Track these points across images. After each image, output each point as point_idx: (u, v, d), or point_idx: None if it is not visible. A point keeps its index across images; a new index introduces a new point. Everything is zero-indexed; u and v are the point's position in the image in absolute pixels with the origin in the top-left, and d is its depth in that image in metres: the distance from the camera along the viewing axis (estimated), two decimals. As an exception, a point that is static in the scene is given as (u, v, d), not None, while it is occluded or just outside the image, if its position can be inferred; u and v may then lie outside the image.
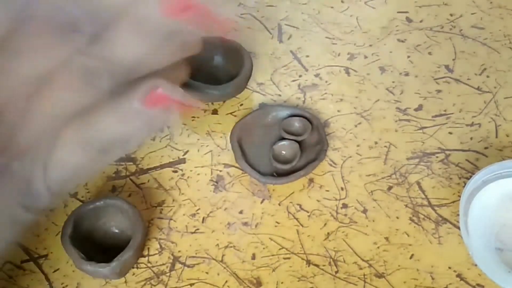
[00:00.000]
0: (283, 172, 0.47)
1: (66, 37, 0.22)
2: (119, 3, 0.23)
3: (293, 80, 0.56)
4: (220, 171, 0.49)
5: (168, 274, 0.43)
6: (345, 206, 0.47)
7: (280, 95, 0.54)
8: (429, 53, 0.58)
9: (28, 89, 0.22)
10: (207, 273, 0.43)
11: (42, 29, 0.22)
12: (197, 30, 0.25)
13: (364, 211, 0.46)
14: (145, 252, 0.44)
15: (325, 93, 0.55)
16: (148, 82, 0.25)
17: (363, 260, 0.44)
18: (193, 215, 0.46)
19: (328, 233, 0.45)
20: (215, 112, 0.53)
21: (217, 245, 0.44)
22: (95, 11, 0.23)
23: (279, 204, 0.47)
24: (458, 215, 0.46)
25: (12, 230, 0.25)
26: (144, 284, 0.42)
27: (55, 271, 0.43)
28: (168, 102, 0.25)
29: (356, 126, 0.52)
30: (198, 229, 0.45)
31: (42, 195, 0.25)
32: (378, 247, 0.44)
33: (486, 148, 0.51)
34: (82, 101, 0.24)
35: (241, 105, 0.53)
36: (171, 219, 0.46)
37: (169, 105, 0.25)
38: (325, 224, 0.46)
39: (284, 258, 0.44)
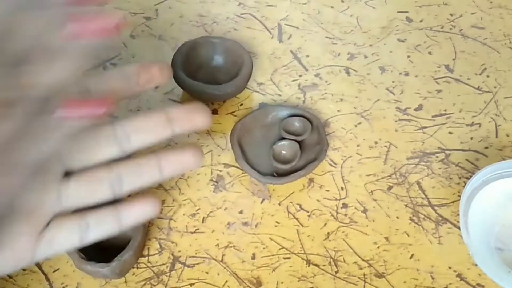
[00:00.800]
0: (283, 172, 0.47)
1: None
2: (29, 35, 0.24)
3: (293, 80, 0.56)
4: (220, 171, 0.49)
5: (168, 274, 0.43)
6: (345, 206, 0.47)
7: (280, 95, 0.54)
8: (429, 53, 0.58)
9: None
10: (207, 273, 0.43)
11: None
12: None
13: (364, 211, 0.46)
14: (145, 252, 0.44)
15: (325, 93, 0.55)
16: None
17: (363, 260, 0.44)
18: (193, 215, 0.46)
19: (328, 233, 0.45)
20: (215, 112, 0.53)
21: (217, 245, 0.44)
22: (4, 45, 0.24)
23: (279, 204, 0.47)
24: (458, 215, 0.46)
25: None
26: (144, 284, 0.42)
27: (55, 271, 0.43)
28: (88, 105, 0.26)
29: (356, 126, 0.52)
30: (198, 229, 0.45)
31: None
32: (378, 247, 0.44)
33: (486, 148, 0.51)
34: (11, 129, 0.25)
35: (241, 105, 0.53)
36: (171, 219, 0.46)
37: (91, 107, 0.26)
38: (325, 224, 0.46)
39: (284, 258, 0.44)
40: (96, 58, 0.26)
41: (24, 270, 0.43)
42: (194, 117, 0.31)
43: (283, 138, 0.49)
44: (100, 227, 0.32)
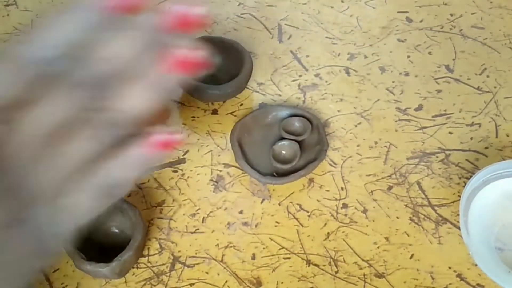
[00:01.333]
0: (283, 172, 0.47)
1: (71, 91, 0.24)
2: (122, 53, 0.24)
3: (293, 80, 0.56)
4: (220, 171, 0.49)
5: (168, 274, 0.43)
6: (345, 206, 0.47)
7: (280, 95, 0.54)
8: (429, 53, 0.58)
9: (40, 138, 0.24)
10: (207, 273, 0.43)
11: (50, 84, 0.24)
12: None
13: (364, 211, 0.46)
14: (145, 252, 0.44)
15: (325, 93, 0.55)
16: (149, 130, 0.26)
17: (363, 260, 0.44)
18: (193, 215, 0.46)
19: (328, 233, 0.45)
20: (215, 112, 0.53)
21: (217, 245, 0.44)
22: (98, 61, 0.24)
23: (279, 204, 0.47)
24: (458, 215, 0.46)
25: (24, 280, 0.26)
26: (144, 284, 0.42)
27: (55, 271, 0.43)
28: (170, 143, 0.27)
29: (356, 126, 0.52)
30: (198, 229, 0.45)
31: (51, 240, 0.27)
32: (378, 247, 0.44)
33: (486, 148, 0.51)
34: (90, 150, 0.25)
35: (241, 105, 0.53)
36: (171, 219, 0.46)
37: (170, 145, 0.27)
38: (325, 224, 0.46)
39: (284, 258, 0.44)
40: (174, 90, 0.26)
41: (24, 270, 0.43)
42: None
43: (283, 138, 0.49)
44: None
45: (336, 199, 0.47)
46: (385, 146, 0.51)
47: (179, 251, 0.44)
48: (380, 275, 0.43)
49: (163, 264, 0.43)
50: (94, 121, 0.25)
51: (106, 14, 0.24)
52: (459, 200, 0.45)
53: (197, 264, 0.43)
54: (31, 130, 0.24)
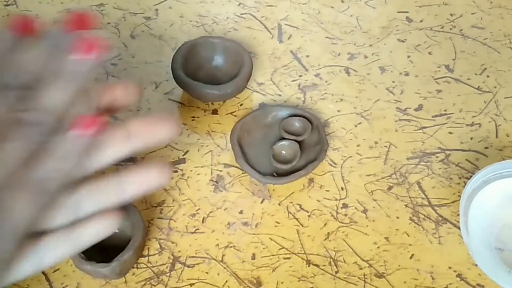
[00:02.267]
0: (283, 172, 0.47)
1: None
2: (36, 61, 0.28)
3: (293, 80, 0.56)
4: (220, 171, 0.49)
5: (168, 274, 0.43)
6: (345, 206, 0.47)
7: (280, 95, 0.54)
8: (429, 53, 0.58)
9: None
10: (207, 273, 0.43)
11: None
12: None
13: (364, 211, 0.46)
14: (145, 252, 0.44)
15: (325, 93, 0.55)
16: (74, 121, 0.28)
17: (363, 260, 0.44)
18: (193, 215, 0.46)
19: (328, 233, 0.45)
20: (215, 112, 0.53)
21: (217, 245, 0.44)
22: (17, 70, 0.28)
23: (279, 204, 0.47)
24: (458, 215, 0.46)
25: None
26: (144, 284, 0.42)
27: (55, 271, 0.43)
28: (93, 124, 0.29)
29: (356, 126, 0.52)
30: (198, 229, 0.45)
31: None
32: (378, 247, 0.44)
33: (486, 148, 0.51)
34: (23, 149, 0.27)
35: (241, 105, 0.53)
36: (171, 219, 0.46)
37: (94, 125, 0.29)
38: (325, 224, 0.46)
39: (284, 258, 0.44)
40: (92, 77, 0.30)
41: (24, 270, 0.43)
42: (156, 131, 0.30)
43: (283, 138, 0.49)
44: (55, 251, 0.30)
45: (336, 199, 0.47)
46: (385, 146, 0.51)
47: (179, 251, 0.44)
48: (380, 275, 0.43)
49: (163, 264, 0.43)
50: (23, 120, 0.27)
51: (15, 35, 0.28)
52: (459, 200, 0.45)
53: (197, 264, 0.43)
54: None
